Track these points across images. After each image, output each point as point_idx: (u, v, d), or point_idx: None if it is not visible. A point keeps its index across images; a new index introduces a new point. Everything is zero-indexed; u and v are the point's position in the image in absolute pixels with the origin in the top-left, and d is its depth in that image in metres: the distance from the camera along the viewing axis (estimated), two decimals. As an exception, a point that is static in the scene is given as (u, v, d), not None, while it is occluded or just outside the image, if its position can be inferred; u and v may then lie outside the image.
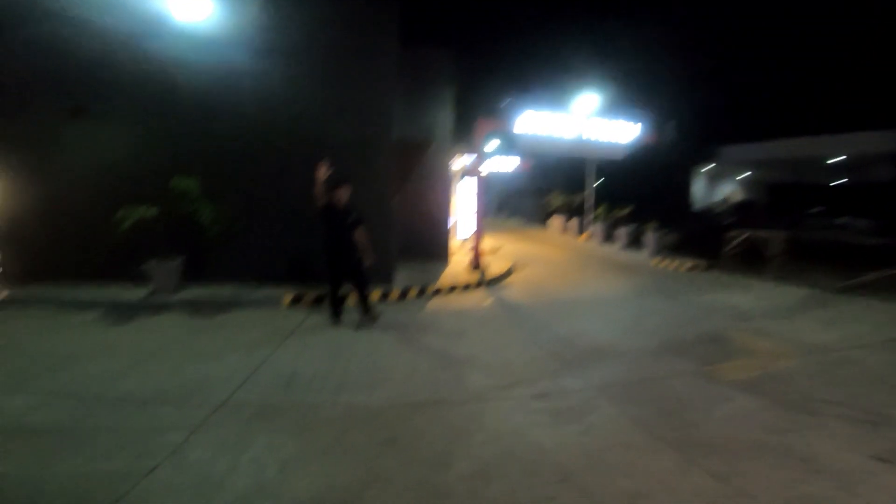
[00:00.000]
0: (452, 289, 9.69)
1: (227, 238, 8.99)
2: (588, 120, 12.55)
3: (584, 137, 12.18)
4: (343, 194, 6.86)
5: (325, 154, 8.86)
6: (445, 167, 12.80)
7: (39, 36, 9.62)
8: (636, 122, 13.10)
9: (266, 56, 9.07)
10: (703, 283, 11.06)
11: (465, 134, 13.67)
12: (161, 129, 9.35)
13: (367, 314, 7.17)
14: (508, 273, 11.69)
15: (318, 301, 8.26)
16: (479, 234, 11.34)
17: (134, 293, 8.47)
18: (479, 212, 11.49)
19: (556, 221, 23.33)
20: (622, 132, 12.81)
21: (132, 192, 8.67)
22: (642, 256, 15.03)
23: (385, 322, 7.18)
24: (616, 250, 16.59)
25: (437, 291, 9.45)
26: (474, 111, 12.45)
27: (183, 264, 8.93)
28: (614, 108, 13.38)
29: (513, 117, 11.95)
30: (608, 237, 18.13)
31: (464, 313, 7.95)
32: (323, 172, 6.55)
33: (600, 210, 18.36)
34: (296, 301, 8.24)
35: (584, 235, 19.61)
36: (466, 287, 9.96)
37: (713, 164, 32.13)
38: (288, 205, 9.14)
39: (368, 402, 4.53)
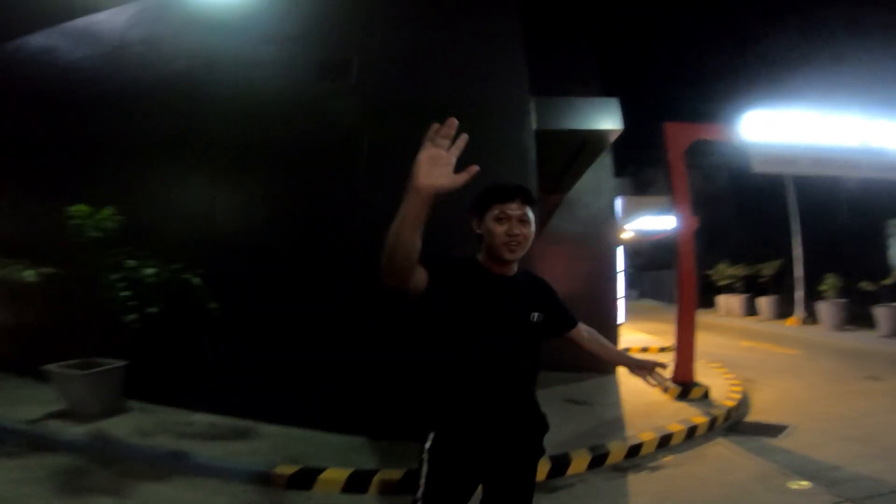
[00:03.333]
0: (664, 443, 4.44)
1: (196, 329, 4.64)
2: (873, 121, 7.05)
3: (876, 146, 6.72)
4: (515, 243, 1.75)
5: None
6: (609, 206, 7.68)
7: None
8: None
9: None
10: None
11: (635, 156, 8.53)
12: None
13: None
14: (744, 398, 6.03)
15: (355, 486, 3.31)
16: (689, 327, 6.00)
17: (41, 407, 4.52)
18: (687, 284, 6.20)
19: (730, 302, 17.02)
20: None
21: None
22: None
23: None
24: (879, 340, 10.44)
25: (633, 453, 4.22)
26: (653, 119, 7.28)
27: (122, 372, 4.60)
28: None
29: (730, 120, 6.89)
30: (847, 321, 11.90)
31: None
32: (441, 157, 1.46)
33: (829, 282, 12.08)
34: (301, 479, 3.34)
35: (794, 319, 13.27)
36: (690, 436, 4.64)
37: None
38: (311, 266, 4.58)
39: None
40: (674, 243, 20.49)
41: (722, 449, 4.48)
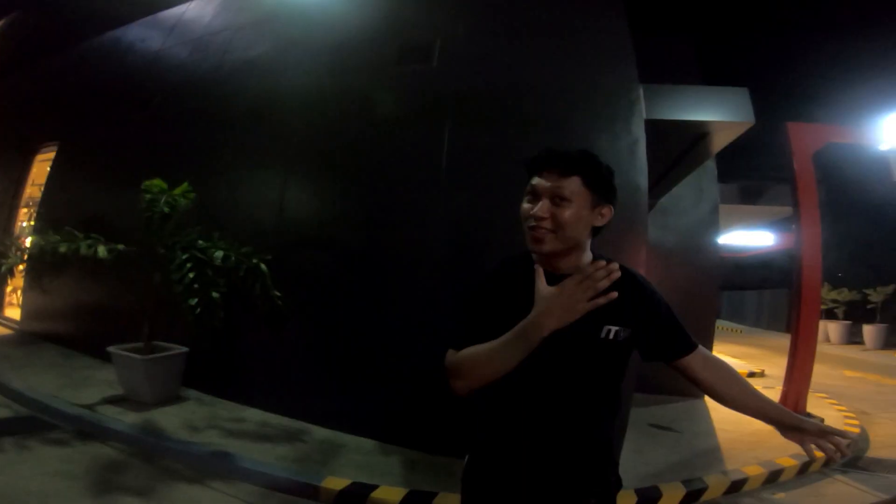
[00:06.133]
0: (773, 479, 3.85)
1: (266, 322, 4.34)
2: None
3: None
4: (539, 229, 1.25)
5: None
6: (710, 215, 6.83)
7: None
8: None
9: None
10: None
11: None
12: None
13: None
14: (862, 432, 5.24)
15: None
16: (808, 354, 5.28)
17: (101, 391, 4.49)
18: (810, 305, 5.44)
19: (829, 328, 15.40)
20: None
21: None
22: None
23: None
24: None
25: (735, 489, 3.63)
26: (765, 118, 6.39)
27: (182, 359, 4.50)
28: None
29: (858, 123, 6.11)
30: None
31: None
32: None
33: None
34: (350, 495, 2.96)
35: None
36: (803, 471, 4.04)
37: None
38: (383, 262, 4.22)
39: None
40: (770, 261, 18.70)
41: (843, 486, 3.90)
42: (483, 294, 1.35)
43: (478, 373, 1.23)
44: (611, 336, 1.25)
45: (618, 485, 1.41)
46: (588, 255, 1.32)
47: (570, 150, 1.27)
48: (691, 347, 1.34)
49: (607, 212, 1.29)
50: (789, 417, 1.31)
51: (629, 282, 1.30)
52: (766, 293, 20.48)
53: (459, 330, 1.32)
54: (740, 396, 1.35)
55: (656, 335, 1.34)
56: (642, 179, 3.76)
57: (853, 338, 14.63)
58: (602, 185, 1.27)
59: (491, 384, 1.26)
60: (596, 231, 1.31)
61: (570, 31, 4.23)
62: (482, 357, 1.21)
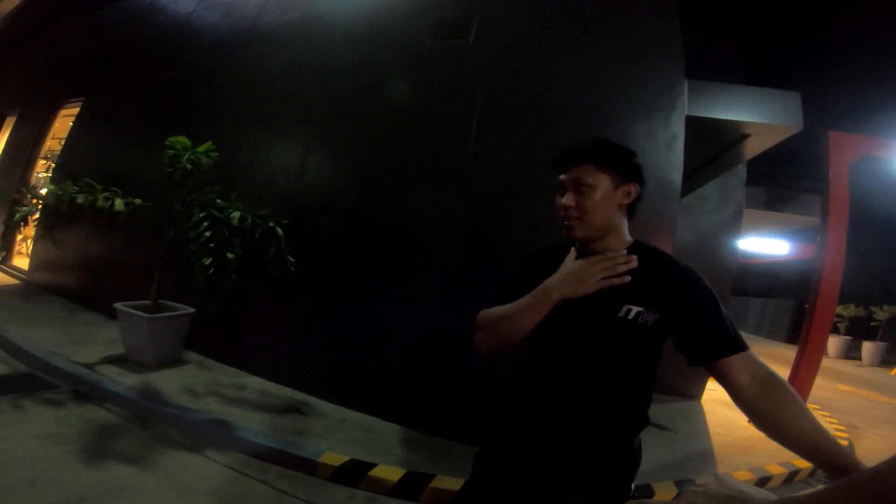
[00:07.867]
0: (760, 485, 3.60)
1: (271, 288, 4.46)
2: None
3: None
4: (568, 217, 1.32)
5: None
6: (733, 219, 6.65)
7: None
8: None
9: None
10: None
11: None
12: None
13: None
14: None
15: (406, 490, 2.89)
16: (813, 365, 5.28)
17: (103, 349, 4.47)
18: (823, 317, 5.40)
19: (829, 341, 15.37)
20: None
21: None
22: None
23: None
24: None
25: None
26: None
27: (188, 320, 4.54)
28: None
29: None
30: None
31: None
32: None
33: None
34: (347, 472, 2.97)
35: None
36: (790, 479, 4.10)
37: None
38: (403, 235, 4.18)
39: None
40: (780, 271, 18.26)
41: None
42: (516, 276, 1.45)
43: (496, 327, 1.33)
44: (630, 316, 1.23)
45: (625, 489, 1.39)
46: (626, 238, 1.36)
47: (583, 142, 1.34)
48: (733, 349, 1.19)
49: (633, 189, 1.33)
50: (852, 462, 1.00)
51: (663, 265, 1.30)
52: (770, 302, 20.35)
53: (494, 302, 1.43)
54: (794, 425, 1.07)
55: (690, 327, 1.24)
56: (676, 176, 3.68)
57: (851, 353, 14.62)
58: (617, 163, 1.32)
59: (515, 375, 1.39)
60: (631, 211, 1.37)
61: (616, 17, 4.09)
62: (501, 313, 1.33)
